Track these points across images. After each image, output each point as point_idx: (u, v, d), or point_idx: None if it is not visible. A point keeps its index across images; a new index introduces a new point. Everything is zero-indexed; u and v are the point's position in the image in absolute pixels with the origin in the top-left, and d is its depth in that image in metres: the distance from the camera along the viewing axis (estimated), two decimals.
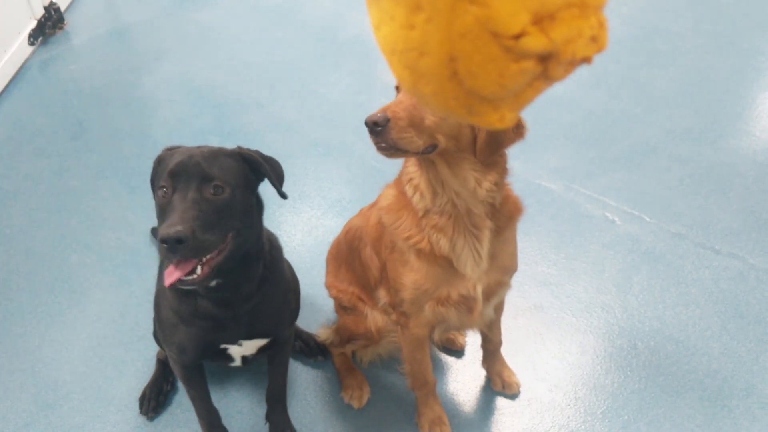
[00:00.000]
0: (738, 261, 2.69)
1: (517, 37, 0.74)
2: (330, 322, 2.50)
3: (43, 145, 3.51)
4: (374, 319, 2.17)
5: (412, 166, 1.76)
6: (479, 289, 1.83)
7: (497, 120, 0.87)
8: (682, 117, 3.47)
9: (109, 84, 3.95)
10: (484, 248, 1.77)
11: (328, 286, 2.35)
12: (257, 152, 1.80)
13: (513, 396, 2.27)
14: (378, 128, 1.53)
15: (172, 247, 1.49)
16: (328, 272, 2.37)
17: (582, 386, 2.30)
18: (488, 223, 1.75)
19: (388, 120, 1.53)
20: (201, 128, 3.56)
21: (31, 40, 4.15)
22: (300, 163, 3.30)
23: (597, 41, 0.80)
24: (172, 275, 1.56)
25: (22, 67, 4.07)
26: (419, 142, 1.56)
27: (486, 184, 1.68)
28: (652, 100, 3.60)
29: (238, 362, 2.00)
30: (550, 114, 3.52)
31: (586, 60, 0.81)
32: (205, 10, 4.60)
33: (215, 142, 3.46)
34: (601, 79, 3.76)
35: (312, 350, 2.43)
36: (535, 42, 0.75)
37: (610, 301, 2.56)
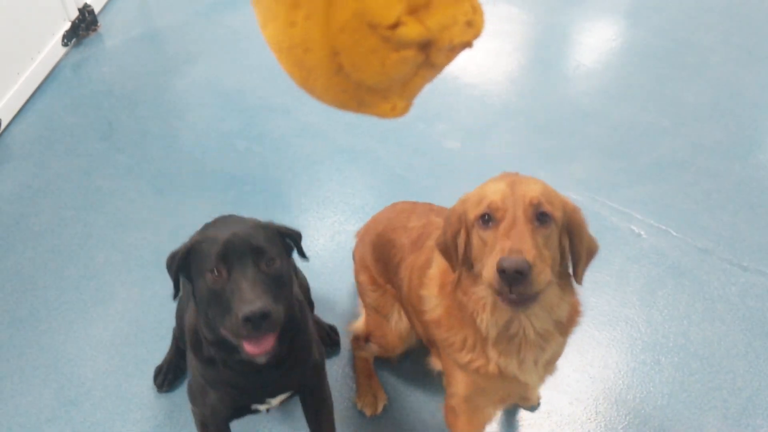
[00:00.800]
0: (765, 278, 2.65)
1: (394, 27, 0.75)
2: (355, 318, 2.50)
3: (74, 144, 3.56)
4: (398, 328, 2.14)
5: (484, 290, 1.56)
6: (537, 391, 1.78)
7: (389, 109, 0.88)
8: (710, 131, 3.43)
9: (140, 86, 4.00)
10: (547, 356, 1.68)
11: (358, 262, 2.25)
12: (282, 226, 1.79)
13: (533, 408, 2.26)
14: (521, 277, 1.34)
15: (257, 324, 1.48)
16: (361, 242, 2.27)
17: (603, 400, 2.28)
18: (558, 338, 1.66)
19: (530, 266, 1.34)
20: (228, 132, 3.59)
21: (65, 41, 4.21)
22: (325, 169, 3.31)
23: (473, 26, 0.81)
24: (256, 349, 1.56)
25: (55, 68, 4.13)
26: (549, 279, 1.44)
27: (564, 306, 1.61)
28: (680, 113, 3.56)
29: (263, 412, 1.97)
30: (577, 125, 3.50)
31: (467, 45, 0.82)
32: (237, 15, 4.64)
33: (242, 146, 3.49)
34: (629, 92, 3.74)
35: (323, 340, 2.43)
36: (411, 31, 0.76)
37: (633, 315, 2.54)
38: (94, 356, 2.51)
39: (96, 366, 2.47)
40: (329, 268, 2.76)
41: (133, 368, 2.45)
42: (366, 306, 2.28)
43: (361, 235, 2.32)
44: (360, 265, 2.24)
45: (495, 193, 1.47)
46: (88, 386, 2.40)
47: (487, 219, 1.46)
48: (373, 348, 2.29)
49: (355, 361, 2.39)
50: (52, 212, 3.13)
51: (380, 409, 2.28)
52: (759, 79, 3.78)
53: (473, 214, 1.50)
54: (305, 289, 2.30)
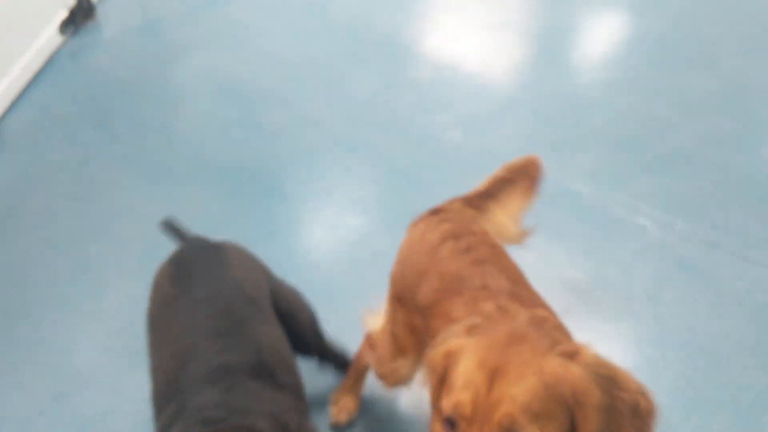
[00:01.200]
0: None
1: None
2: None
3: (70, 134, 3.50)
4: (402, 373, 1.85)
5: None
6: None
7: None
8: (719, 123, 3.36)
9: (137, 76, 3.94)
10: None
11: (395, 293, 1.82)
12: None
13: None
14: None
15: None
16: (403, 278, 1.78)
17: None
18: None
19: None
20: (226, 122, 3.53)
21: (63, 29, 4.16)
22: (324, 160, 3.25)
23: None
24: None
25: (52, 56, 4.07)
26: None
27: None
28: (687, 105, 3.49)
29: None
30: (583, 116, 3.43)
31: None
32: (236, 4, 4.57)
33: (240, 136, 3.43)
34: (636, 83, 3.67)
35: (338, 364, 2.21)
36: None
37: (639, 309, 2.48)
38: (87, 350, 2.46)
39: (89, 359, 2.42)
40: (329, 260, 2.71)
41: (126, 362, 2.39)
42: (387, 324, 1.92)
43: (406, 266, 1.78)
44: (397, 299, 1.80)
45: (466, 388, 1.13)
46: (80, 380, 2.35)
47: (451, 423, 1.15)
48: (371, 360, 2.01)
49: (354, 356, 2.19)
50: (47, 202, 3.08)
51: (344, 419, 2.15)
52: (765, 70, 3.71)
53: (444, 402, 1.18)
54: (311, 321, 2.08)
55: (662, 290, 2.55)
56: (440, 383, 1.23)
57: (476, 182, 2.97)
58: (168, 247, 2.80)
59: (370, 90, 3.72)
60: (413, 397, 2.25)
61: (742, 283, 2.56)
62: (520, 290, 1.57)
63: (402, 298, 1.78)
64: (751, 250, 2.68)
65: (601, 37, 4.18)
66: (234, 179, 3.14)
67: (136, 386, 2.31)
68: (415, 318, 1.72)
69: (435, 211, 1.84)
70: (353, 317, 2.44)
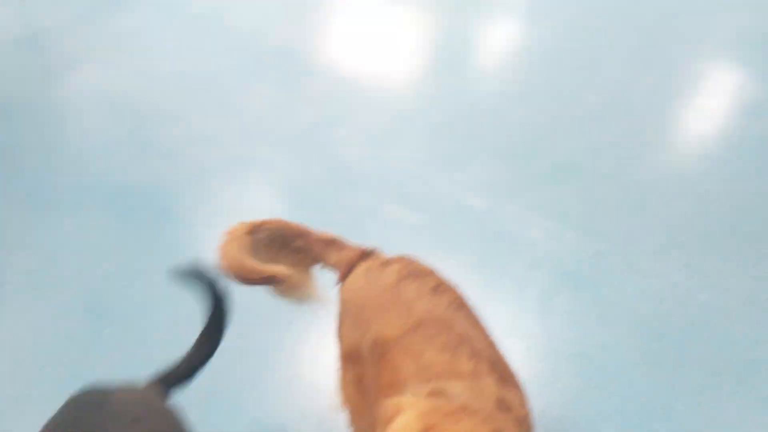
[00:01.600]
0: (658, 280, 2.68)
1: None
2: None
3: None
4: None
5: None
6: None
7: None
8: (605, 132, 3.47)
9: (16, 93, 3.74)
10: None
11: (344, 348, 1.65)
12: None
13: None
14: None
15: None
16: (350, 314, 1.61)
17: None
18: None
19: None
20: (115, 140, 3.39)
21: None
22: (218, 179, 3.16)
23: None
24: None
25: None
26: None
27: None
28: (576, 114, 3.59)
29: None
30: (476, 128, 3.48)
31: None
32: (123, 16, 4.41)
33: (129, 154, 3.30)
34: (528, 94, 3.75)
35: None
36: None
37: (530, 325, 2.52)
38: None
39: None
40: None
41: (2, 405, 2.25)
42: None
43: (354, 311, 1.59)
44: (347, 357, 1.62)
45: None
46: None
47: None
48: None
49: None
50: None
51: None
52: (649, 80, 3.86)
53: None
54: None
55: (553, 303, 2.60)
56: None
57: (371, 200, 2.97)
58: (49, 278, 2.66)
59: (265, 105, 3.65)
60: None
61: (628, 293, 2.64)
62: (498, 357, 1.46)
63: (352, 351, 1.58)
64: (636, 259, 2.77)
65: (495, 46, 4.25)
66: (124, 202, 3.02)
67: None
68: (364, 368, 1.53)
69: (366, 254, 1.69)
70: (247, 341, 2.38)
